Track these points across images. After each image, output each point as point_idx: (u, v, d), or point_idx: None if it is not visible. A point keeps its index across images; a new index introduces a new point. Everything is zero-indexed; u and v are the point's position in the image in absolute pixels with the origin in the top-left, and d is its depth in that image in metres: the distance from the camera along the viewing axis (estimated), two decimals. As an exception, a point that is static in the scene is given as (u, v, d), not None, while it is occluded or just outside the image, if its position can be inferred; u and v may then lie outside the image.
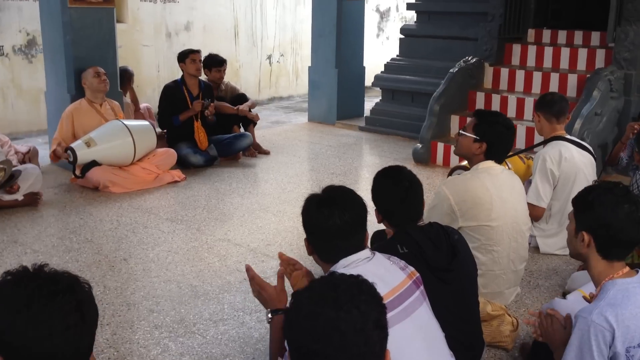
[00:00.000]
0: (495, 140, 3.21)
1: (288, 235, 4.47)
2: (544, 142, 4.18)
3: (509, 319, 3.04)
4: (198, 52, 6.18)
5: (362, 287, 1.42)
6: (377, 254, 2.21)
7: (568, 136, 4.23)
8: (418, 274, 2.20)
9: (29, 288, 1.37)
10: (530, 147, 4.46)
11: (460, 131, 3.34)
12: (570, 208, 3.95)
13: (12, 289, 1.38)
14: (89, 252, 4.13)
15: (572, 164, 4.02)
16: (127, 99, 6.59)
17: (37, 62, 7.67)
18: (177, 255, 4.10)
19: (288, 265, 2.45)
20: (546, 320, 2.32)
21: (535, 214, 3.96)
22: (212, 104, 6.14)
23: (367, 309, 1.37)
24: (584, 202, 2.17)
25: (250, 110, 6.60)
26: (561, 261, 4.06)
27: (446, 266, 2.46)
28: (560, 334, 2.29)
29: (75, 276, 1.44)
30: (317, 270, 3.05)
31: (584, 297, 2.64)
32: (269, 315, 2.20)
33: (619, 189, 2.15)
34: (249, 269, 2.29)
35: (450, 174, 4.45)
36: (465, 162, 4.51)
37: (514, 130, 3.30)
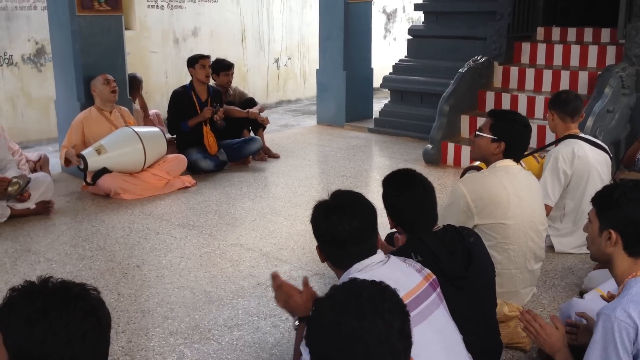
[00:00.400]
0: (513, 138, 3.17)
1: (300, 239, 4.45)
2: (557, 141, 4.14)
3: (526, 319, 3.00)
4: (208, 57, 6.19)
5: (384, 295, 1.40)
6: (392, 257, 2.19)
7: (582, 134, 4.19)
8: (434, 277, 2.18)
9: (41, 299, 1.37)
10: (543, 147, 4.43)
11: (476, 132, 3.29)
12: (584, 207, 3.93)
13: (24, 302, 1.38)
14: (102, 259, 4.13)
15: (585, 163, 3.98)
16: (137, 105, 6.61)
17: (47, 71, 7.70)
18: (190, 261, 4.09)
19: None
20: (533, 326, 2.29)
21: None
22: (221, 109, 6.14)
23: (390, 318, 1.35)
24: (608, 200, 2.16)
25: (259, 114, 6.60)
26: (577, 260, 4.02)
27: (461, 274, 2.42)
28: (555, 336, 2.27)
29: (82, 283, 1.44)
30: (332, 274, 3.03)
31: (602, 297, 2.62)
32: (296, 323, 2.18)
33: None
34: (275, 277, 2.24)
35: (463, 175, 4.42)
36: (478, 162, 4.49)
37: (530, 128, 3.26)
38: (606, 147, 4.27)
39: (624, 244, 2.12)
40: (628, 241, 2.12)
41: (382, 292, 1.40)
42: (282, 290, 2.22)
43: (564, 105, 4.08)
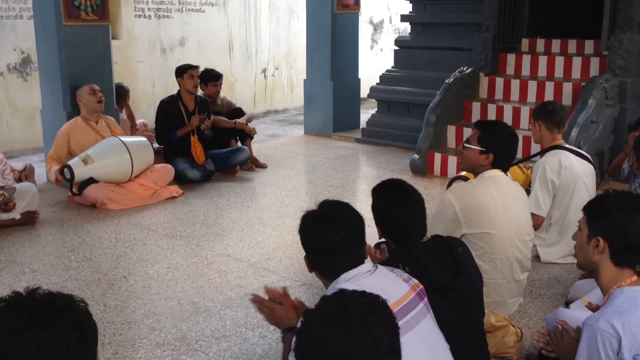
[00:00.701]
0: (501, 149, 3.22)
1: (288, 249, 4.45)
2: (543, 152, 4.18)
3: (513, 329, 3.02)
4: (196, 67, 6.18)
5: (374, 308, 1.40)
6: (380, 266, 2.20)
7: (567, 145, 4.24)
8: (422, 286, 2.19)
9: (26, 310, 1.36)
10: (529, 157, 4.48)
11: (464, 144, 3.33)
12: (570, 216, 3.97)
13: (9, 313, 1.37)
14: (88, 270, 4.10)
15: (572, 173, 4.03)
16: (124, 115, 6.58)
17: (32, 80, 7.66)
18: (177, 271, 4.07)
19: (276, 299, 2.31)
20: (556, 335, 2.31)
21: (535, 222, 3.96)
22: (208, 119, 6.13)
23: (379, 333, 1.35)
24: (600, 208, 2.18)
25: (247, 124, 6.61)
26: (562, 270, 4.05)
27: (450, 284, 2.43)
28: (572, 345, 2.28)
29: (69, 295, 1.43)
30: (319, 284, 3.03)
31: (587, 307, 2.64)
32: (282, 335, 2.19)
33: (635, 197, 2.19)
34: (254, 298, 2.28)
35: (449, 185, 4.45)
36: (464, 172, 4.52)
37: (517, 138, 3.31)
38: (590, 157, 4.32)
39: (610, 252, 2.14)
40: (615, 250, 2.14)
41: (371, 305, 1.40)
42: (264, 307, 2.25)
43: (551, 116, 4.13)
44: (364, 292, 1.46)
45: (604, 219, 2.16)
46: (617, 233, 2.13)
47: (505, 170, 3.29)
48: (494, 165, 3.22)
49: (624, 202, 2.14)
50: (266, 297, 2.31)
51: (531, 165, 4.37)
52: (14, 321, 1.34)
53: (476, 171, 3.30)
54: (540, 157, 4.21)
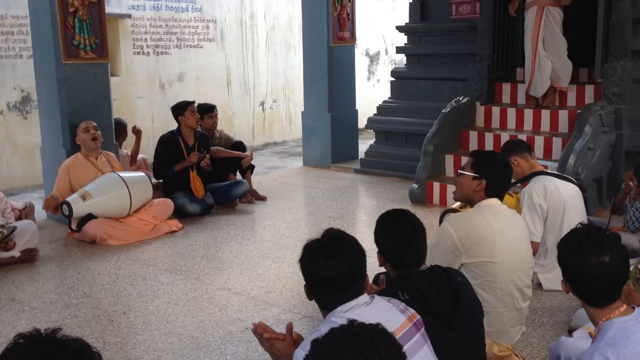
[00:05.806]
0: (494, 175, 3.25)
1: (288, 281, 4.43)
2: (527, 178, 4.24)
3: (516, 359, 2.99)
4: (194, 102, 6.25)
5: (381, 334, 1.43)
6: (376, 297, 2.19)
7: (548, 170, 4.32)
8: (419, 317, 2.18)
9: (37, 357, 1.36)
10: (513, 184, 4.53)
11: (459, 171, 3.37)
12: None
13: (21, 356, 1.36)
14: (88, 307, 4.08)
15: (558, 196, 4.09)
16: (123, 150, 6.62)
17: (32, 118, 7.73)
18: (177, 306, 4.05)
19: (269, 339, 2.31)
20: None
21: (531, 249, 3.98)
22: (207, 155, 6.15)
23: (387, 355, 1.37)
24: (559, 250, 2.18)
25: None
26: (565, 298, 4.03)
27: (450, 311, 2.43)
28: None
29: (85, 344, 1.42)
30: (321, 317, 3.00)
31: (590, 334, 2.62)
32: None
33: (590, 240, 2.11)
34: (255, 330, 2.28)
35: (442, 218, 4.46)
36: (455, 205, 4.54)
37: (510, 166, 3.38)
38: (573, 180, 4.42)
39: (577, 295, 2.13)
40: (580, 294, 2.12)
41: (379, 332, 1.44)
42: (265, 341, 2.25)
43: (519, 146, 4.27)
44: (370, 323, 1.48)
45: (560, 262, 2.16)
46: (571, 278, 2.12)
47: (500, 198, 3.31)
48: (488, 193, 3.25)
49: (574, 243, 2.11)
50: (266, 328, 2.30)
51: (518, 191, 4.41)
52: None
53: (471, 200, 3.33)
54: (522, 185, 4.27)
